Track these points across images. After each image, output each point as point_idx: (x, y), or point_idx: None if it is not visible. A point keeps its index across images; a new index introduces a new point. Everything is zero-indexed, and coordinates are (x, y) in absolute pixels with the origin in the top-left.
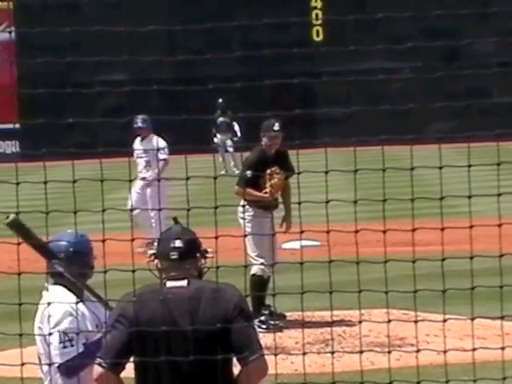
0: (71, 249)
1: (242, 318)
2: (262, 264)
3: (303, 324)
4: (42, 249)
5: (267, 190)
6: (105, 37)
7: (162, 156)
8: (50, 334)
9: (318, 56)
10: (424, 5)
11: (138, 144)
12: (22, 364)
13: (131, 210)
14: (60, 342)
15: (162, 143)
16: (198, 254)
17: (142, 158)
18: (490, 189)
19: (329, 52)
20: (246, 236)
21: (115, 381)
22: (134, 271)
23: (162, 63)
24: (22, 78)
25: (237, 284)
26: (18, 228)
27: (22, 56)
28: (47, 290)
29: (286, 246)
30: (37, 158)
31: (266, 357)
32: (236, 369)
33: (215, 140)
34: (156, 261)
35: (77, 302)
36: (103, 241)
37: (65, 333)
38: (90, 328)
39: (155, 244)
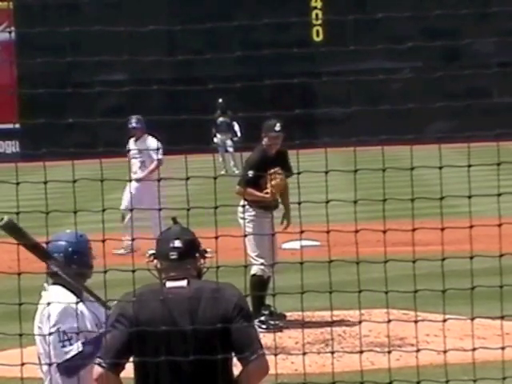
0: (70, 249)
1: (242, 318)
2: (262, 264)
3: (303, 324)
4: (37, 250)
5: (268, 190)
6: (105, 37)
7: (156, 156)
8: (50, 333)
9: (317, 56)
10: (424, 5)
11: (132, 144)
12: (22, 364)
13: (131, 210)
14: (59, 342)
15: (156, 143)
16: (197, 254)
17: (136, 158)
18: (489, 189)
19: (329, 52)
20: (246, 236)
21: (115, 381)
22: (134, 271)
23: (162, 63)
24: (22, 78)
25: (237, 284)
26: (12, 230)
27: (22, 56)
28: (46, 290)
29: (285, 245)
30: (37, 158)
31: (266, 357)
32: (236, 369)
33: (215, 140)
34: (155, 261)
35: (76, 302)
36: (103, 241)
37: (64, 332)
38: (90, 327)
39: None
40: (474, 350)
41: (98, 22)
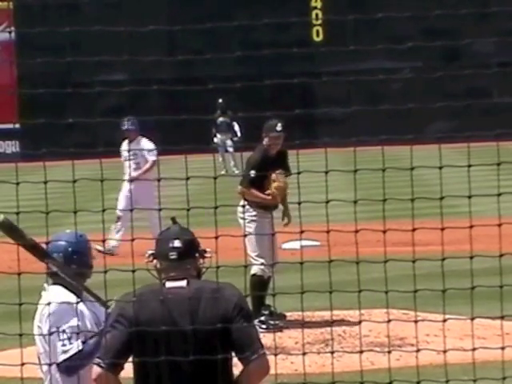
0: (70, 249)
1: (242, 318)
2: (262, 264)
3: (303, 324)
4: (34, 249)
5: (271, 192)
6: (105, 37)
7: (151, 158)
8: (51, 333)
9: (317, 56)
10: (424, 5)
11: (125, 146)
12: (22, 364)
13: (131, 210)
14: (59, 340)
15: (150, 145)
16: (196, 254)
17: (130, 160)
18: (489, 189)
19: (329, 52)
20: (246, 236)
21: (114, 381)
22: (134, 271)
23: (162, 63)
24: (22, 77)
25: (237, 284)
26: (8, 229)
27: (22, 56)
28: (46, 290)
29: (285, 245)
30: (37, 157)
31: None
32: (237, 369)
33: (215, 140)
34: (155, 261)
35: (76, 302)
36: (103, 240)
37: (64, 331)
38: (90, 327)
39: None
40: (474, 349)
41: (98, 22)
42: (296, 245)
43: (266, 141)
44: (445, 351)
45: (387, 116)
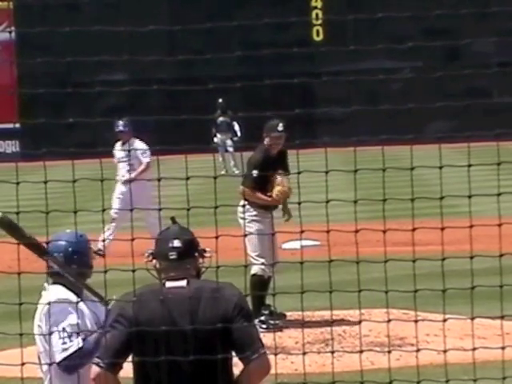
0: (70, 248)
1: (243, 317)
2: (262, 264)
3: (303, 324)
4: (33, 246)
5: (273, 194)
6: (105, 37)
7: (145, 159)
8: (51, 333)
9: (317, 56)
10: (424, 5)
11: (118, 148)
12: (22, 364)
13: (131, 210)
14: (59, 338)
15: (143, 146)
16: (196, 254)
17: (124, 162)
18: (489, 189)
19: (329, 52)
20: (246, 236)
21: (113, 381)
22: (134, 271)
23: (162, 63)
24: (22, 77)
25: (237, 284)
26: (7, 227)
27: (22, 56)
28: (46, 289)
29: (286, 245)
30: (37, 157)
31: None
32: (237, 369)
33: (215, 140)
34: (154, 261)
35: (76, 302)
36: (103, 240)
37: (64, 329)
38: (90, 326)
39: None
40: (474, 349)
41: (98, 22)
42: (296, 245)
43: (267, 141)
44: (445, 351)
45: (387, 116)
